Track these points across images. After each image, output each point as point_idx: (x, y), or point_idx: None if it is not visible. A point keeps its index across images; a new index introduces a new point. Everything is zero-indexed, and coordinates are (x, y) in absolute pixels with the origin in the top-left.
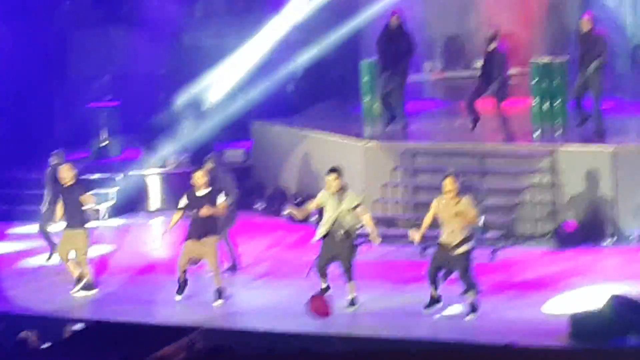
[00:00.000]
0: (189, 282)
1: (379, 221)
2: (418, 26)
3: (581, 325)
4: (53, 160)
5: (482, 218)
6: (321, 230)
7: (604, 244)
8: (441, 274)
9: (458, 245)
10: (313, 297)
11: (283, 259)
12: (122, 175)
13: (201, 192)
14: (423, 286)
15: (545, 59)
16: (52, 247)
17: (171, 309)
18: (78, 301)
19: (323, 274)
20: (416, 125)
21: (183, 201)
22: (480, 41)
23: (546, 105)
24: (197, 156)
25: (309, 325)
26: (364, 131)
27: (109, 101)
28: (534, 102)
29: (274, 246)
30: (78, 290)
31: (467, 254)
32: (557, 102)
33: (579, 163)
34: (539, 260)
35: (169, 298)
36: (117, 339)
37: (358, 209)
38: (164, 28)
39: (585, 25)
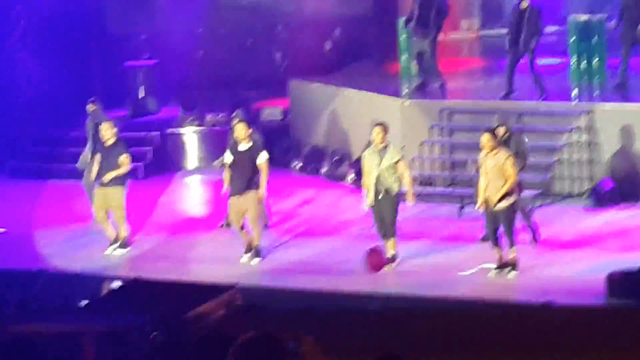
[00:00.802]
0: (227, 239)
1: (416, 179)
2: None
3: (619, 283)
4: (90, 107)
5: None
6: (370, 196)
7: None
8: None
9: (500, 200)
10: (370, 251)
11: (319, 217)
12: (159, 133)
13: (244, 146)
14: (460, 245)
15: (584, 17)
16: None
17: (208, 267)
18: (115, 259)
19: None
20: (453, 83)
21: (228, 156)
22: None
23: (584, 64)
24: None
25: (343, 283)
26: (401, 89)
27: (146, 59)
28: (572, 60)
29: (310, 204)
30: (114, 249)
31: (510, 208)
32: (595, 60)
33: (616, 122)
34: (577, 218)
35: (206, 256)
36: (155, 297)
37: (399, 165)
38: None
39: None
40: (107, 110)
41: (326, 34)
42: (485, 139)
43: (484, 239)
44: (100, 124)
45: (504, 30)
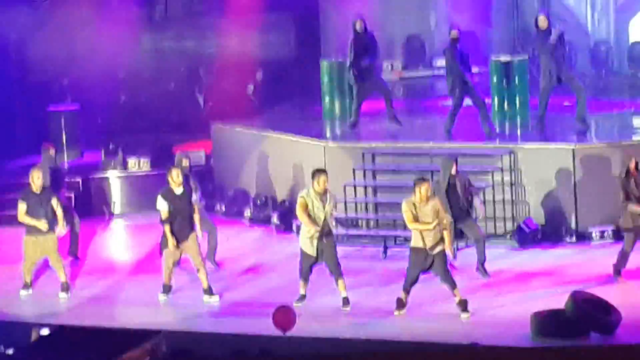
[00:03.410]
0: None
1: (339, 222)
2: (378, 25)
3: (543, 323)
4: (50, 150)
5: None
6: (312, 237)
7: (565, 242)
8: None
9: (435, 246)
10: (278, 308)
11: (246, 259)
12: (82, 178)
13: (178, 190)
14: (386, 287)
15: (505, 57)
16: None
17: (134, 312)
18: (44, 306)
19: (307, 279)
20: (376, 125)
21: (162, 203)
22: (440, 40)
23: (506, 104)
24: (158, 158)
25: (272, 326)
26: (324, 131)
27: (69, 104)
28: (494, 100)
29: (236, 248)
30: (26, 295)
31: (444, 253)
32: (518, 100)
33: (539, 161)
34: (501, 259)
35: (131, 300)
36: (80, 345)
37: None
38: (123, 30)
39: (543, 22)
40: (29, 155)
41: (248, 77)
42: (425, 189)
43: None
44: (53, 169)
45: (426, 71)
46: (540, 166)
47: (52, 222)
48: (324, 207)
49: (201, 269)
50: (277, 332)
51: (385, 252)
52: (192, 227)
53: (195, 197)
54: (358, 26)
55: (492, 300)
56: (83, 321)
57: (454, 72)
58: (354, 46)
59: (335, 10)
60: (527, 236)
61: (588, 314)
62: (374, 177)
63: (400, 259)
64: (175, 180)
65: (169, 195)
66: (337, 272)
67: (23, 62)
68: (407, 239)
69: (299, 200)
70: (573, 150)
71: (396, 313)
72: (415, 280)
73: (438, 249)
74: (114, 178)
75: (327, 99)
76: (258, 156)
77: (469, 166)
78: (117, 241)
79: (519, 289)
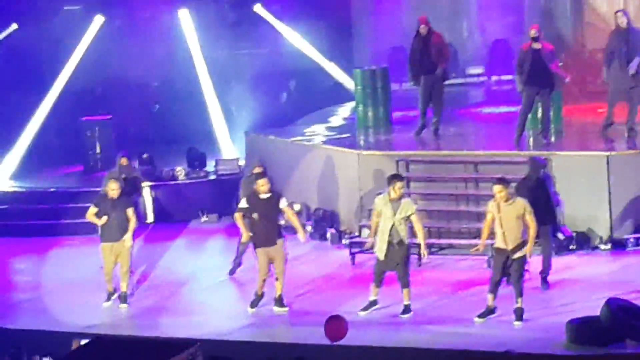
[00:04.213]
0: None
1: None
2: (409, 35)
3: (578, 331)
4: (124, 161)
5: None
6: (381, 243)
7: (600, 249)
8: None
9: (516, 250)
10: (330, 318)
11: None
12: None
13: (265, 196)
14: (422, 295)
15: None
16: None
17: (174, 322)
18: (84, 316)
19: (379, 284)
20: (410, 133)
21: (243, 203)
22: (472, 47)
23: (540, 112)
24: (192, 167)
25: (307, 335)
26: (358, 140)
27: (102, 114)
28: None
29: None
30: (110, 303)
31: (524, 258)
32: (552, 108)
33: (573, 169)
34: (534, 266)
35: (173, 311)
36: (117, 354)
37: (412, 218)
38: (157, 40)
39: (622, 20)
40: (62, 166)
41: (281, 86)
42: (498, 188)
43: None
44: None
45: (460, 80)
46: (574, 173)
47: (123, 232)
48: (394, 215)
49: (280, 277)
50: (312, 341)
51: (420, 260)
52: (279, 233)
53: (284, 203)
54: (423, 30)
55: (527, 308)
56: (121, 331)
57: (524, 72)
58: (419, 50)
59: (368, 19)
60: (561, 244)
61: (623, 321)
62: (408, 185)
63: (435, 267)
64: (262, 188)
65: (252, 199)
66: (403, 281)
67: (56, 72)
68: (441, 247)
69: (374, 205)
70: (607, 157)
71: (478, 320)
72: (498, 284)
73: (518, 254)
74: (147, 188)
75: (360, 107)
76: (291, 165)
77: (502, 173)
78: (153, 251)
79: (553, 296)
